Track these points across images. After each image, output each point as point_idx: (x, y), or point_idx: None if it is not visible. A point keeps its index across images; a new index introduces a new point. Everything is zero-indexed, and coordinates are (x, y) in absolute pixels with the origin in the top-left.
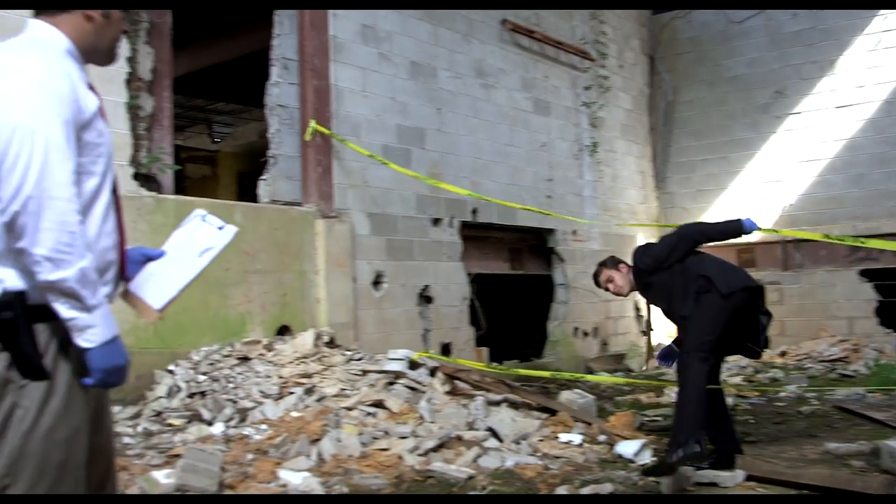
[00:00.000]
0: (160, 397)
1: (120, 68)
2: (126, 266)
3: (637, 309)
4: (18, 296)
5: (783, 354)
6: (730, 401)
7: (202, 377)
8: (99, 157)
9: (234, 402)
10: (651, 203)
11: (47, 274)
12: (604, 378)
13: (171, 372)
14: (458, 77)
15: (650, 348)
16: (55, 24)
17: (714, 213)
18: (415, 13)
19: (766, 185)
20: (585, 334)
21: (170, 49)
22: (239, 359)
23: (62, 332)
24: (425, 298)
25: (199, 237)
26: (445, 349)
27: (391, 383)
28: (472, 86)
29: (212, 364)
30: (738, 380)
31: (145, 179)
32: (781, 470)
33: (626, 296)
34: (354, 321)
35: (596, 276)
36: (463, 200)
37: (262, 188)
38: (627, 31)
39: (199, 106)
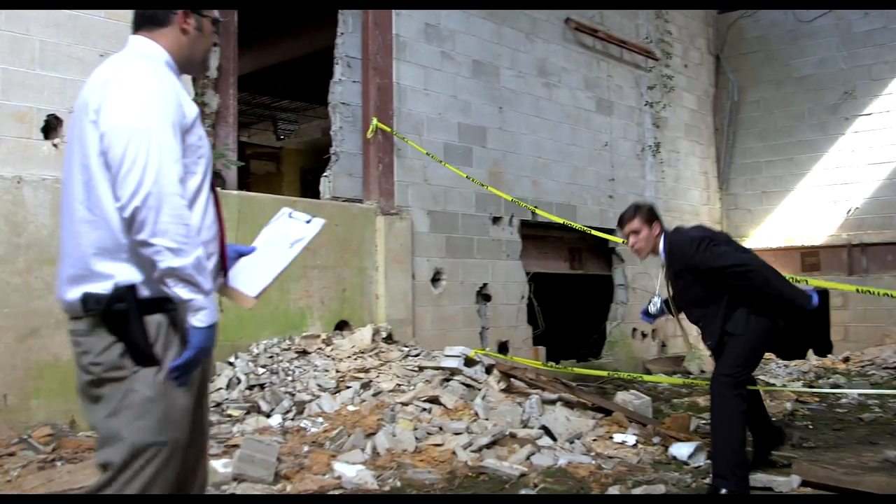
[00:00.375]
0: (220, 388)
1: None
2: (226, 260)
3: None
4: (130, 289)
5: (846, 360)
6: (788, 406)
7: (261, 370)
8: (200, 158)
9: (292, 394)
10: (714, 204)
11: (169, 262)
12: (661, 378)
13: (231, 364)
14: (520, 76)
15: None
16: (154, 38)
17: (779, 215)
18: (478, 12)
19: (833, 188)
20: (644, 335)
21: (235, 48)
22: (298, 352)
23: (169, 322)
24: (483, 296)
25: (287, 231)
26: (503, 347)
27: (447, 380)
28: (534, 85)
29: (271, 357)
30: (798, 385)
31: None
32: (838, 477)
33: (641, 258)
34: (412, 317)
35: (623, 219)
36: (524, 199)
37: (324, 185)
38: (693, 31)
39: (265, 103)
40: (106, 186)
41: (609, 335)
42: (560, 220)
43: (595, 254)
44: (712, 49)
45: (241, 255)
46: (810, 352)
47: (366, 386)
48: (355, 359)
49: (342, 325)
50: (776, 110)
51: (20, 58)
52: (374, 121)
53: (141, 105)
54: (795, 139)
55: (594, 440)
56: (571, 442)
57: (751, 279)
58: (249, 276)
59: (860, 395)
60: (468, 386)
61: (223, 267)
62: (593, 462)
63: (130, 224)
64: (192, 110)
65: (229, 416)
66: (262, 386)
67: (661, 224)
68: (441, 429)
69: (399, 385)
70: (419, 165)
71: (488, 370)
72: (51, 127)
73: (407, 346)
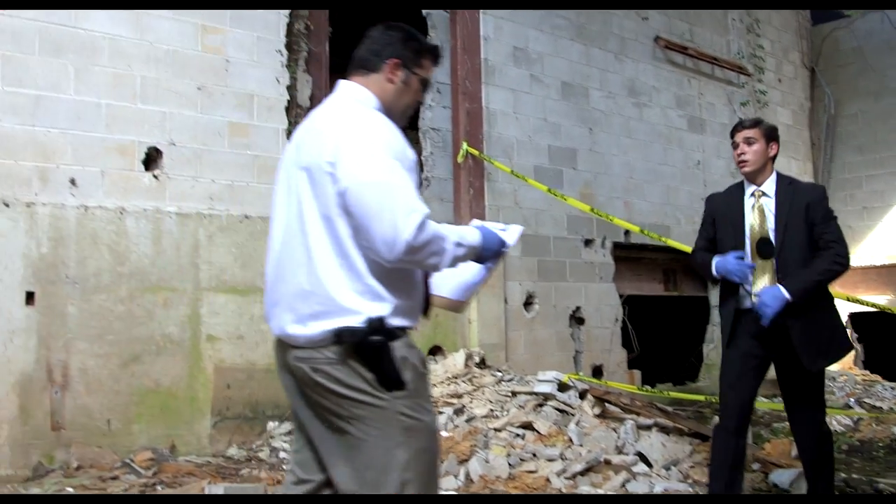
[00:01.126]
0: None
1: (280, 96)
2: (429, 287)
3: None
4: (382, 322)
5: None
6: (895, 430)
7: None
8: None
9: None
10: None
11: (445, 266)
12: (760, 403)
13: None
14: (610, 96)
15: None
16: (365, 84)
17: (881, 231)
18: (566, 33)
19: None
20: None
21: (327, 77)
22: None
23: (406, 350)
24: (577, 320)
25: None
26: (597, 371)
27: (540, 405)
28: (624, 105)
29: None
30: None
31: None
32: None
33: (744, 171)
34: (505, 342)
35: (741, 124)
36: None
37: None
38: (786, 44)
39: None
40: (350, 234)
41: (706, 358)
42: (655, 237)
43: (690, 275)
44: (807, 62)
45: None
46: None
47: (459, 412)
48: (448, 384)
49: (435, 351)
50: (875, 123)
51: (123, 93)
52: (464, 145)
53: (381, 159)
54: None
55: (691, 467)
56: (668, 469)
57: (838, 251)
58: (454, 285)
59: None
60: (562, 411)
61: (427, 300)
62: (691, 489)
63: (401, 263)
64: (413, 154)
65: None
66: None
67: (778, 147)
68: (535, 455)
69: (492, 410)
70: (510, 189)
71: (582, 395)
72: (151, 159)
73: (500, 371)
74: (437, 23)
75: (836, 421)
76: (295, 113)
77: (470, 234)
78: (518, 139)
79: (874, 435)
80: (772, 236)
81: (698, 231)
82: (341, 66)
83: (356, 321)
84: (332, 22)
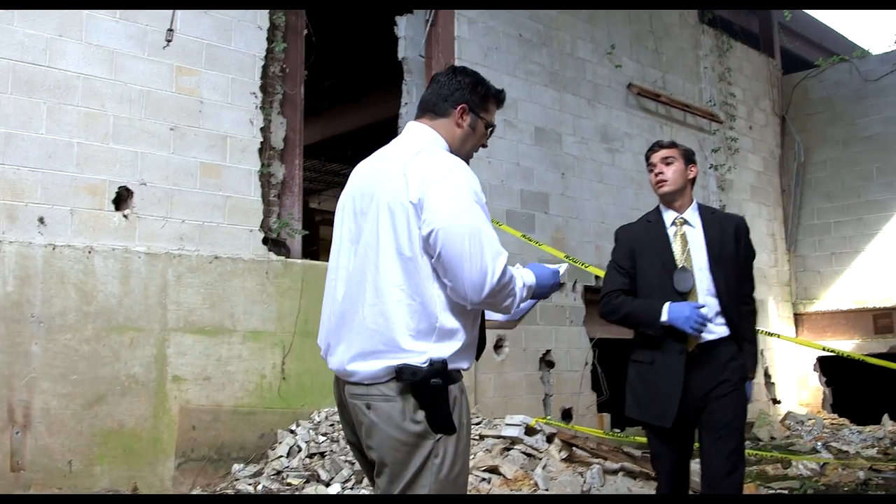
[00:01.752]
0: (281, 456)
1: (254, 137)
2: (485, 331)
3: (767, 376)
4: (443, 365)
5: None
6: (861, 475)
7: (322, 438)
8: None
9: (353, 463)
10: (782, 266)
11: (515, 307)
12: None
13: (292, 432)
14: (582, 142)
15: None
16: (434, 128)
17: (849, 276)
18: (540, 79)
19: None
20: None
21: (301, 119)
22: None
23: (459, 393)
24: (547, 363)
25: None
26: (566, 414)
27: (507, 449)
28: (596, 150)
29: (332, 425)
30: (872, 452)
31: (274, 244)
32: None
33: (661, 192)
34: (474, 385)
35: (658, 144)
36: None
37: None
38: (757, 92)
39: (334, 170)
40: (430, 274)
41: None
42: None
43: None
44: (777, 110)
45: None
46: (885, 416)
47: None
48: None
49: None
50: (844, 170)
51: (95, 132)
52: None
53: (469, 204)
54: (864, 199)
55: None
56: None
57: (754, 307)
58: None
59: None
60: (529, 455)
61: (482, 340)
62: None
63: (482, 304)
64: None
65: (289, 484)
66: (322, 454)
67: (696, 170)
68: None
69: None
70: None
71: (549, 439)
72: (121, 198)
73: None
74: (413, 67)
75: (803, 465)
76: (268, 154)
77: (527, 275)
78: (491, 183)
79: (840, 479)
80: (700, 272)
81: (607, 272)
82: (316, 108)
83: (419, 360)
84: (307, 65)
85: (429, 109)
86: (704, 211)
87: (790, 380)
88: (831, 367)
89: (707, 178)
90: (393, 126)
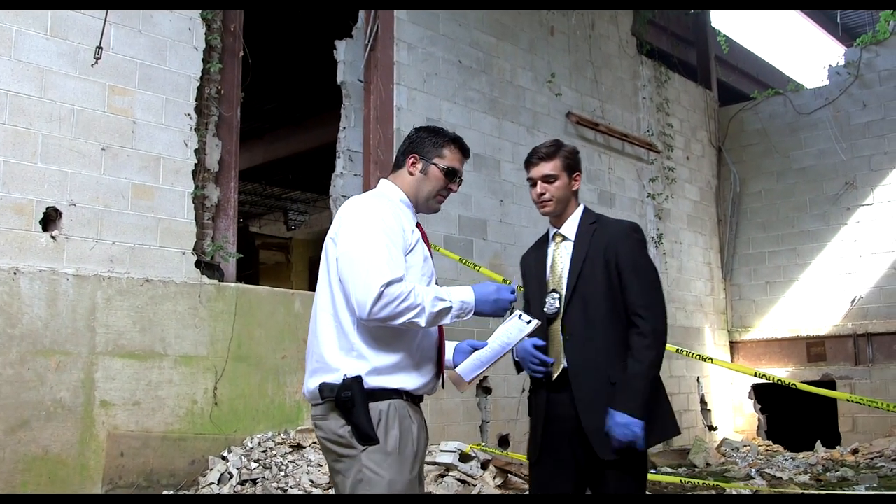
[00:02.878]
0: (212, 483)
1: (188, 159)
2: (443, 361)
3: (703, 403)
4: (356, 380)
5: (855, 452)
6: None
7: (254, 464)
8: (423, 275)
9: (284, 490)
10: (718, 295)
11: (427, 322)
12: (662, 477)
13: (224, 458)
14: (521, 169)
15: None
16: (393, 180)
17: (784, 305)
18: (479, 106)
19: (837, 278)
20: None
21: (237, 141)
22: (292, 447)
23: (391, 410)
24: (484, 389)
25: (511, 329)
26: (503, 441)
27: (442, 476)
28: None
29: (265, 451)
30: (805, 478)
31: (207, 267)
32: None
33: (545, 213)
34: None
35: (536, 154)
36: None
37: None
38: (695, 123)
39: (276, 194)
40: (344, 298)
41: None
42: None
43: None
44: (714, 141)
45: (475, 348)
46: (818, 443)
47: None
48: None
49: None
50: (778, 201)
51: (23, 151)
52: None
53: (368, 233)
54: (798, 229)
55: None
56: None
57: (653, 327)
58: (471, 365)
59: (869, 489)
60: (463, 482)
61: (439, 369)
62: None
63: (378, 321)
64: (414, 237)
65: None
66: (254, 481)
67: (579, 179)
68: None
69: None
70: None
71: (484, 466)
72: (49, 219)
73: None
74: (352, 92)
75: (737, 492)
76: (202, 176)
77: (458, 290)
78: None
79: None
80: (566, 292)
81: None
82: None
83: (335, 378)
84: (244, 87)
85: (394, 165)
86: (585, 220)
87: (726, 407)
88: (766, 394)
89: (645, 206)
90: (333, 151)
